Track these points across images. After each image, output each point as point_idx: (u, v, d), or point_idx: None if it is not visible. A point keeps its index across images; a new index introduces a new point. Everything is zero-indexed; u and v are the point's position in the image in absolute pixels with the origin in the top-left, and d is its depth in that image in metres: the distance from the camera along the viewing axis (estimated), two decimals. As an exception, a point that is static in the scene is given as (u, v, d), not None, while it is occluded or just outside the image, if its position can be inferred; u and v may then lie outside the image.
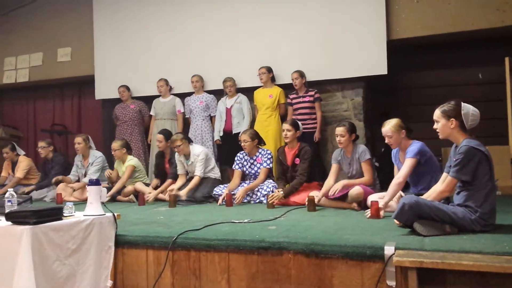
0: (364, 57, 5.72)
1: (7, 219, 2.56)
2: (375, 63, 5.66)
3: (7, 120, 8.53)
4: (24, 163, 6.53)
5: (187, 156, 5.40)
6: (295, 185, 4.68)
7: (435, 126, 2.96)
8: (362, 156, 4.32)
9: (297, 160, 4.84)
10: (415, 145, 3.75)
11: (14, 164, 6.64)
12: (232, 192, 4.96)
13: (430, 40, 5.89)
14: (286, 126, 4.89)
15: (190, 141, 5.50)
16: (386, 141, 3.92)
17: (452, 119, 2.85)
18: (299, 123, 5.06)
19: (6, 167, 6.73)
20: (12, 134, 8.21)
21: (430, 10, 5.63)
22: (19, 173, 6.42)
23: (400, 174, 3.66)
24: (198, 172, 5.28)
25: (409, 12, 5.71)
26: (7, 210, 2.66)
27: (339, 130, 4.39)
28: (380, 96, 6.44)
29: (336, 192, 4.19)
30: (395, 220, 2.95)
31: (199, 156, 5.29)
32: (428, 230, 2.68)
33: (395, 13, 5.75)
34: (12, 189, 2.99)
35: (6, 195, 2.82)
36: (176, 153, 5.42)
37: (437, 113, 2.93)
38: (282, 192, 4.56)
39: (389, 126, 3.85)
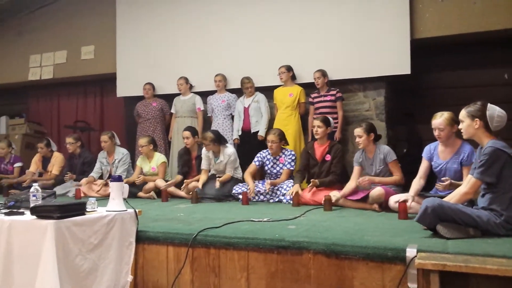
0: (387, 57, 5.65)
1: (32, 213, 2.62)
2: (398, 63, 5.59)
3: (32, 116, 8.70)
4: (59, 158, 6.60)
5: (216, 153, 5.41)
6: (331, 182, 4.69)
7: (460, 126, 2.94)
8: (389, 157, 4.28)
9: (328, 157, 4.81)
10: (469, 147, 3.62)
11: (44, 160, 6.72)
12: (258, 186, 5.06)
13: (455, 40, 5.78)
14: (317, 122, 4.87)
15: (224, 141, 5.48)
16: (435, 134, 3.67)
17: (476, 119, 2.82)
18: (331, 119, 5.03)
19: (37, 162, 6.73)
20: (36, 130, 8.38)
21: (454, 9, 5.53)
22: (55, 169, 6.50)
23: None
24: (229, 172, 5.34)
25: (433, 11, 5.62)
26: (32, 205, 2.72)
27: (356, 131, 4.38)
28: (403, 96, 6.35)
29: (364, 182, 4.20)
30: None
31: (231, 157, 5.31)
32: (451, 232, 2.63)
33: (419, 12, 5.67)
34: (37, 183, 3.04)
35: (31, 190, 2.88)
36: (204, 148, 5.43)
37: (462, 113, 2.92)
38: (317, 181, 4.61)
39: (442, 119, 3.63)
